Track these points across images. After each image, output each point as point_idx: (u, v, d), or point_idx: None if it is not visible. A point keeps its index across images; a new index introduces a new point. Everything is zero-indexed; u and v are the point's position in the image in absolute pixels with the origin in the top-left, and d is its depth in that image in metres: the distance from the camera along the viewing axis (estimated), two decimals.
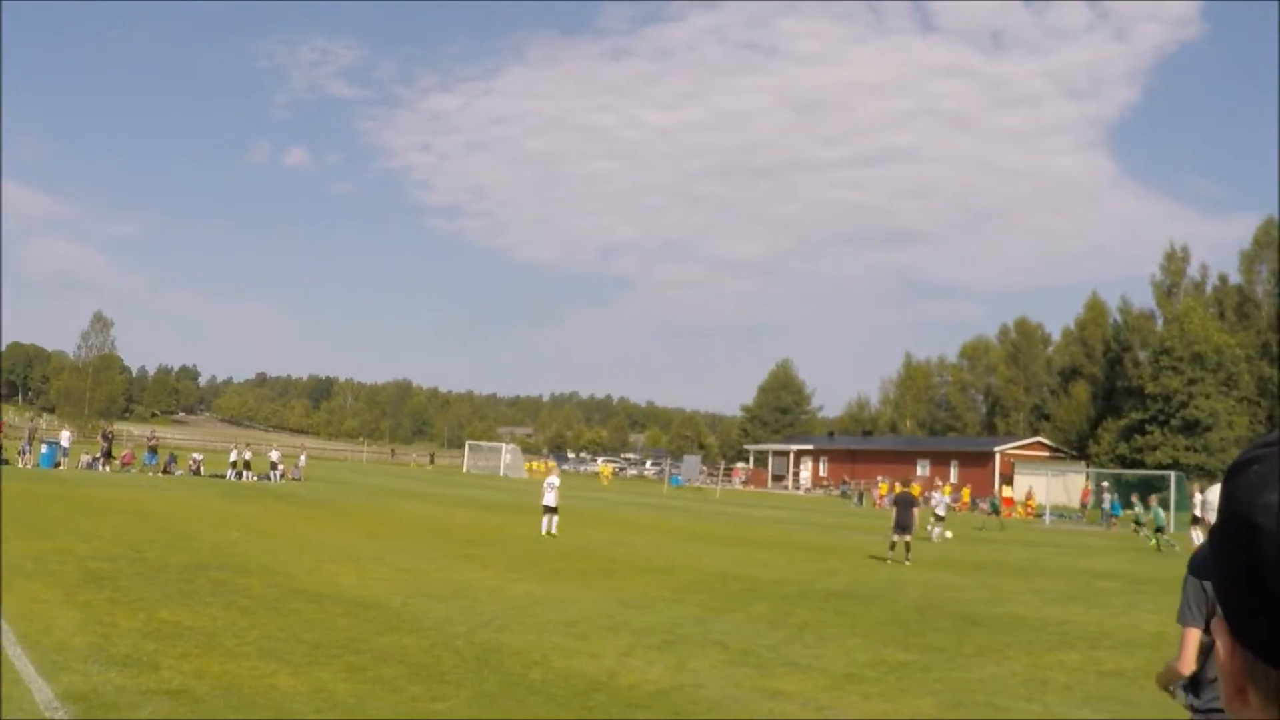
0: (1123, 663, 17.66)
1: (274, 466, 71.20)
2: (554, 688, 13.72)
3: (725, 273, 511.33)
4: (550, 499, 38.34)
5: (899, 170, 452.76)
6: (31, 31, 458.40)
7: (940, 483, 65.84)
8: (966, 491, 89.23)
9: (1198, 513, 46.94)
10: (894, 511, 35.69)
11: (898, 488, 43.61)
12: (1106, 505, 67.61)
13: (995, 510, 66.11)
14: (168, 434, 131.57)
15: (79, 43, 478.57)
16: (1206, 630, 6.62)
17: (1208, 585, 6.55)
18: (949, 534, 47.75)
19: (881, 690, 14.59)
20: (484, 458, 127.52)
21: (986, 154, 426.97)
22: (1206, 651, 6.62)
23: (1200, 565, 6.43)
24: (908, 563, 33.34)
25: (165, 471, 69.10)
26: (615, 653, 16.46)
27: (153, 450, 73.28)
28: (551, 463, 39.50)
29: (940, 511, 49.45)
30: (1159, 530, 48.43)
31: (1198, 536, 45.33)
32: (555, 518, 38.23)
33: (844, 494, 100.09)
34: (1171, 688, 6.89)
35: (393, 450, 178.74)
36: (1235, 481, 1.17)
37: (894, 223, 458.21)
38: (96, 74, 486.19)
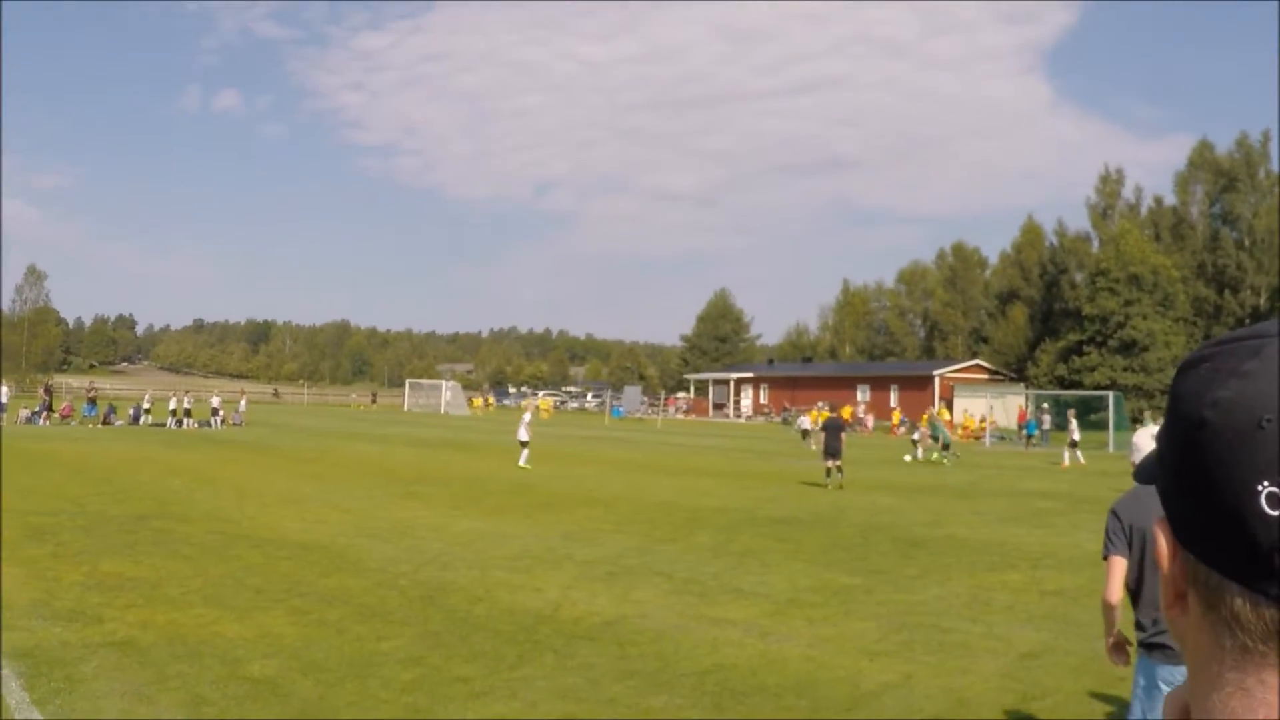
0: (1065, 582, 17.80)
1: (215, 413, 71.01)
2: (499, 623, 13.77)
3: (661, 205, 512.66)
4: (523, 434, 39.37)
5: (833, 98, 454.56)
6: None
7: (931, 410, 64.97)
8: (896, 415, 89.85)
9: (1075, 437, 47.41)
10: (822, 437, 35.74)
11: (825, 414, 42.91)
12: (1046, 426, 67.80)
13: (936, 437, 62.04)
14: (107, 385, 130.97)
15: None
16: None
17: (1124, 516, 6.67)
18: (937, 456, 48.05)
19: (825, 614, 14.68)
20: (425, 396, 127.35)
21: (921, 81, 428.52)
22: (1142, 572, 6.72)
23: (1145, 473, 6.50)
24: (841, 487, 33.28)
25: (105, 423, 68.74)
26: (559, 586, 16.53)
27: (91, 401, 72.83)
28: (534, 402, 40.26)
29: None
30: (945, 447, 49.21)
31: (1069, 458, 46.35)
32: (525, 451, 39.30)
33: (785, 420, 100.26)
34: (1113, 657, 7.01)
35: (275, 390, 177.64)
36: (1184, 379, 1.16)
37: (829, 151, 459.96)
38: (18, 23, 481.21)
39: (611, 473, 39.22)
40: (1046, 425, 67.53)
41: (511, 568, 18.22)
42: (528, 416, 40.22)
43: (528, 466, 38.71)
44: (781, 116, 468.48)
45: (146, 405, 72.06)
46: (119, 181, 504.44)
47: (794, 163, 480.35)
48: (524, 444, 39.61)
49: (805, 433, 58.80)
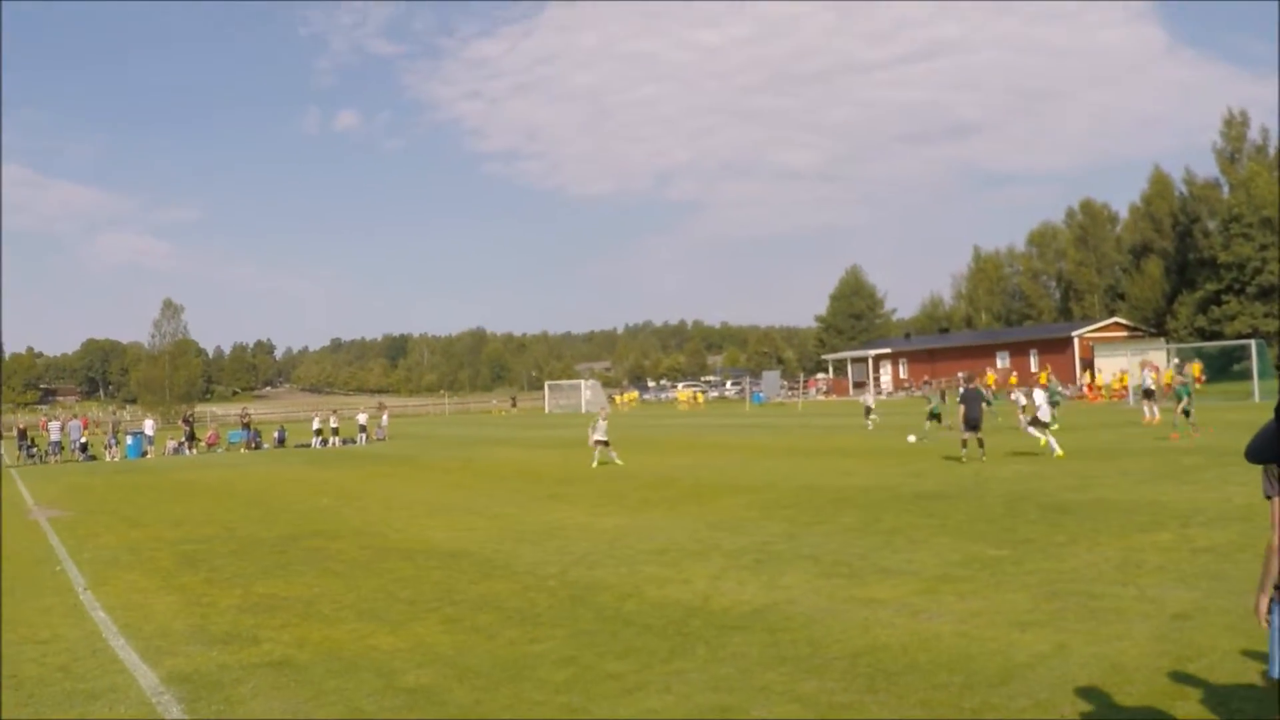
0: (1215, 538, 17.56)
1: (362, 429, 71.73)
2: (649, 618, 13.84)
3: (785, 185, 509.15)
4: (601, 436, 39.53)
5: (947, 62, 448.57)
6: (71, 35, 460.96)
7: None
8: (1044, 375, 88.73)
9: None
10: (961, 409, 34.66)
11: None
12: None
13: (1056, 403, 59.26)
14: (252, 409, 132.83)
15: (120, 41, 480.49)
16: None
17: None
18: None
19: (975, 588, 14.60)
20: (565, 396, 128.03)
21: (1034, 35, 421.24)
22: None
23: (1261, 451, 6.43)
24: (983, 459, 32.85)
25: (254, 447, 69.65)
26: (707, 577, 16.57)
27: (246, 426, 73.81)
28: (604, 410, 39.82)
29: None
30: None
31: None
32: (606, 450, 39.57)
33: (926, 395, 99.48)
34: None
35: (373, 406, 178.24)
36: None
37: (948, 116, 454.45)
38: (138, 66, 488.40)
39: (754, 459, 39.19)
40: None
41: (659, 561, 18.29)
42: (602, 423, 40.00)
43: (620, 461, 38.98)
44: (897, 85, 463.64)
45: (318, 426, 72.66)
46: (247, 209, 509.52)
47: (914, 131, 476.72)
48: (604, 443, 39.59)
49: (869, 410, 57.19)
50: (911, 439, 42.77)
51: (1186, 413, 38.63)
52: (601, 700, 10.42)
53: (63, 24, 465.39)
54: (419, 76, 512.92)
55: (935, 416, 46.21)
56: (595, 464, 38.26)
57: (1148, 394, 47.48)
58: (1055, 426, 44.10)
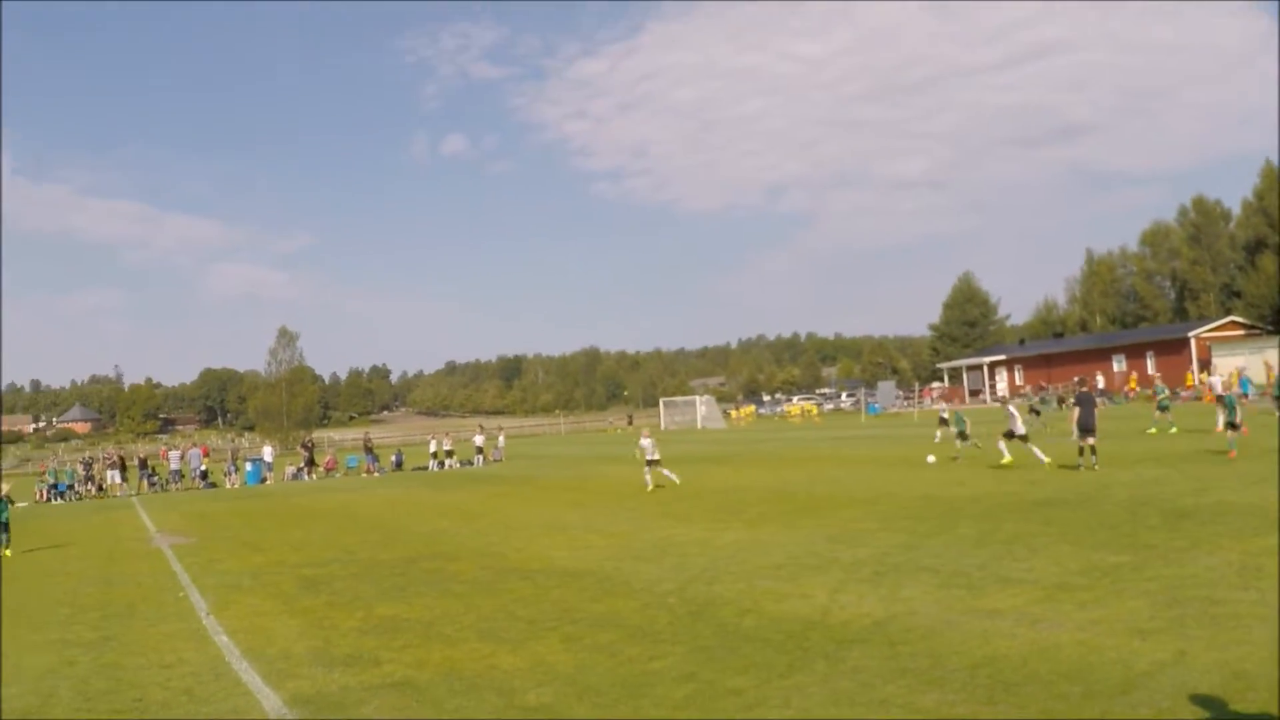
0: None
1: (479, 451, 71.98)
2: (768, 632, 13.86)
3: (895, 194, 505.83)
4: (653, 454, 38.80)
5: (1052, 63, 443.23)
6: (181, 70, 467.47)
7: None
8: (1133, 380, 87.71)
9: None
10: (1075, 412, 33.57)
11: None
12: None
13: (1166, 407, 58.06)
14: (373, 434, 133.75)
15: (229, 74, 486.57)
16: None
17: None
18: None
19: (1095, 596, 14.50)
20: (680, 413, 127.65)
21: (1139, 33, 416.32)
22: None
23: None
24: (1095, 467, 31.99)
25: (373, 472, 70.05)
26: (826, 590, 16.56)
27: (369, 450, 74.24)
28: (644, 434, 39.18)
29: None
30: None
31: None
32: (658, 469, 38.74)
33: (1042, 400, 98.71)
34: None
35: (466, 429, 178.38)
36: None
37: (1055, 118, 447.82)
38: (248, 99, 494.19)
39: (870, 470, 39.04)
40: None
41: (777, 576, 18.29)
42: (646, 442, 39.56)
43: (675, 479, 38.64)
44: (1004, 89, 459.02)
45: (434, 449, 72.96)
46: (359, 236, 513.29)
47: (1022, 134, 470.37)
48: (656, 462, 38.75)
49: (944, 420, 55.91)
50: (931, 459, 41.06)
51: (1233, 425, 36.02)
52: (721, 716, 10.47)
53: (173, 58, 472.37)
54: (525, 98, 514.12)
55: (963, 435, 45.60)
56: (650, 487, 37.61)
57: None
58: (1155, 430, 43.70)
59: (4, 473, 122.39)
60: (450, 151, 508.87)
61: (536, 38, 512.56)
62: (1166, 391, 53.01)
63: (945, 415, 51.99)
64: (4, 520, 30.87)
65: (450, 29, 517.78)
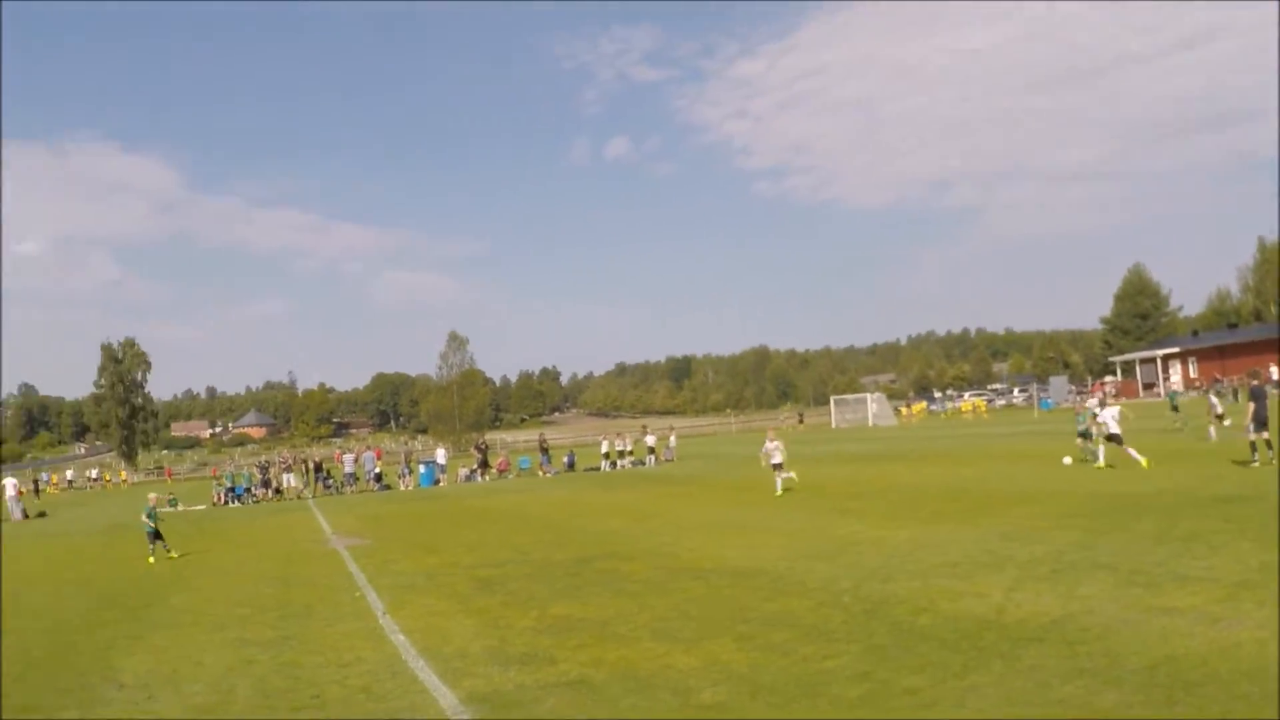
0: None
1: (651, 451, 72.13)
2: (943, 631, 13.78)
3: (1062, 185, 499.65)
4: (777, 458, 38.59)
5: (1218, 49, 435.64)
6: (348, 81, 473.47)
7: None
8: None
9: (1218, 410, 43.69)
10: (1250, 407, 32.55)
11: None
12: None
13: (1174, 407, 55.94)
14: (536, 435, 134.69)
15: (396, 86, 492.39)
16: None
17: None
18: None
19: (1277, 594, 14.26)
20: (851, 410, 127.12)
21: None
22: None
23: None
24: (1272, 461, 31.04)
25: (544, 472, 70.42)
26: (1002, 588, 16.41)
27: (545, 451, 74.70)
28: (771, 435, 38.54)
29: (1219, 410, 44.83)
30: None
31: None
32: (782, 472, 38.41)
33: (1217, 392, 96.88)
34: None
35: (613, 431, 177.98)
36: None
37: (1225, 104, 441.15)
38: (414, 110, 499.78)
39: (1044, 467, 38.64)
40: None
41: (952, 574, 18.16)
42: (771, 445, 39.32)
43: (794, 476, 38.79)
44: (1170, 75, 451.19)
45: (605, 449, 73.38)
46: (525, 240, 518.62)
47: (1189, 122, 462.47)
48: (779, 466, 38.48)
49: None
50: (1068, 461, 39.88)
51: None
52: (896, 716, 10.43)
53: (337, 69, 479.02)
54: (685, 100, 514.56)
55: (1085, 435, 44.75)
56: (780, 491, 37.36)
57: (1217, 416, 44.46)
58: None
59: (181, 476, 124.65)
60: (613, 155, 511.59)
61: (694, 39, 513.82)
62: None
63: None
64: (155, 528, 31.26)
65: (609, 34, 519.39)
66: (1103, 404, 40.47)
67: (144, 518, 31.43)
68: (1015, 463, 41.42)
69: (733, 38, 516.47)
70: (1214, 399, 42.05)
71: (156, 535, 31.16)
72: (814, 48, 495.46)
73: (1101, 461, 35.77)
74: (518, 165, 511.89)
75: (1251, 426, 31.81)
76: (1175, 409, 50.81)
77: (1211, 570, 16.39)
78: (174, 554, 30.92)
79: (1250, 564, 16.58)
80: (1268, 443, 31.72)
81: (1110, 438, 36.35)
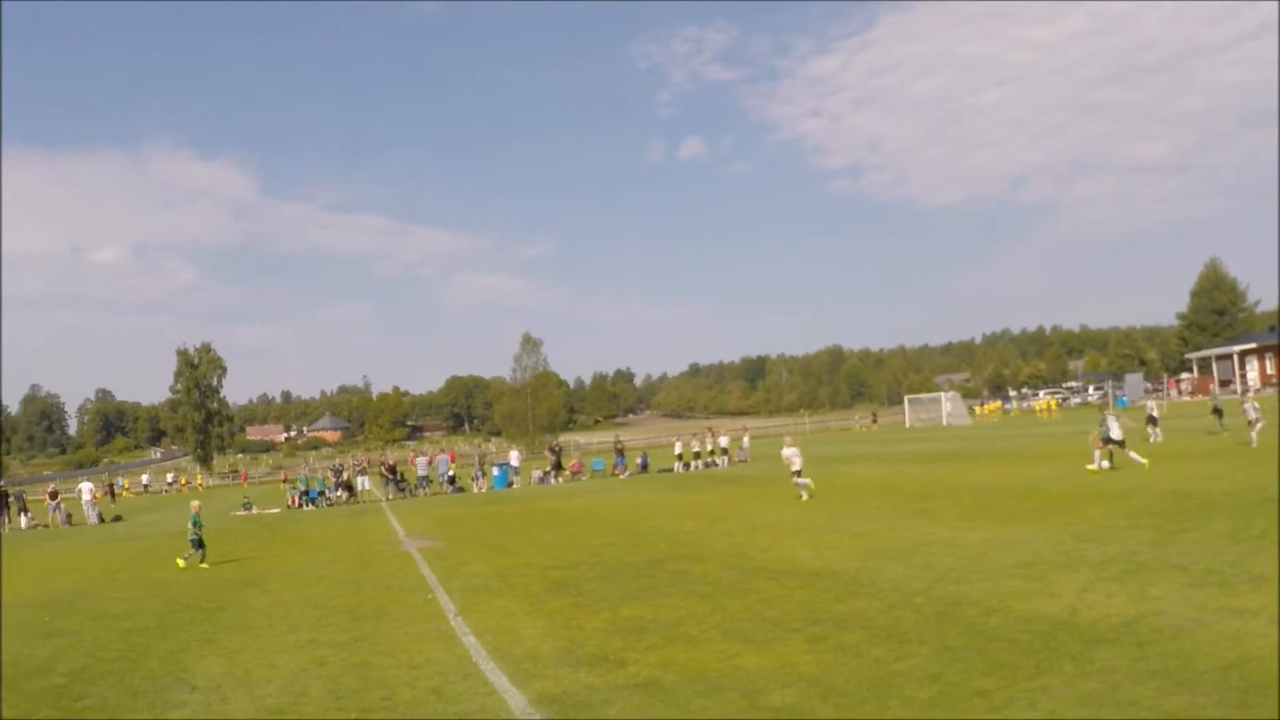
0: None
1: (723, 452, 72.06)
2: (1015, 632, 13.75)
3: (1138, 179, 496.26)
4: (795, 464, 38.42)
5: None
6: (422, 86, 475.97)
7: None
8: None
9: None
10: None
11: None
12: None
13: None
14: (610, 436, 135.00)
15: (469, 90, 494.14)
16: None
17: None
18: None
19: None
20: (925, 410, 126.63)
21: None
22: None
23: None
24: None
25: (618, 473, 70.49)
26: (1074, 589, 16.37)
27: (620, 453, 74.79)
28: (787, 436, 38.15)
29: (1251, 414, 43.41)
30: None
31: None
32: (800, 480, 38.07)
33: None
34: None
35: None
36: None
37: None
38: (486, 112, 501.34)
39: (1117, 466, 38.35)
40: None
41: (1024, 575, 18.12)
42: (789, 452, 39.18)
43: (811, 484, 38.16)
44: (1243, 65, 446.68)
45: (679, 450, 73.41)
46: (600, 241, 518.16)
47: (1264, 112, 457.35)
48: (799, 473, 38.24)
49: (1152, 419, 52.92)
50: (1103, 465, 38.60)
51: None
52: (967, 717, 10.41)
53: (411, 71, 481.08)
54: (759, 99, 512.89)
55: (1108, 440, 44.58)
56: (804, 498, 36.97)
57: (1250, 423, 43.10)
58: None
59: (256, 480, 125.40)
60: (688, 155, 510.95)
61: (768, 37, 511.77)
62: None
63: (1154, 413, 51.15)
64: (198, 536, 31.41)
65: (681, 34, 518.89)
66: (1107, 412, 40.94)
67: (189, 524, 31.60)
68: (1088, 461, 41.12)
69: (807, 35, 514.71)
70: (1248, 407, 41.59)
71: (199, 543, 31.32)
72: (890, 43, 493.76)
73: (1095, 465, 36.05)
74: (592, 166, 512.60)
75: None
76: (1218, 412, 50.32)
77: None
78: (205, 565, 30.94)
79: None
80: None
81: (1108, 441, 37.13)
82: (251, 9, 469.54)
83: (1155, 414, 52.15)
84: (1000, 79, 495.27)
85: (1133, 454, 35.06)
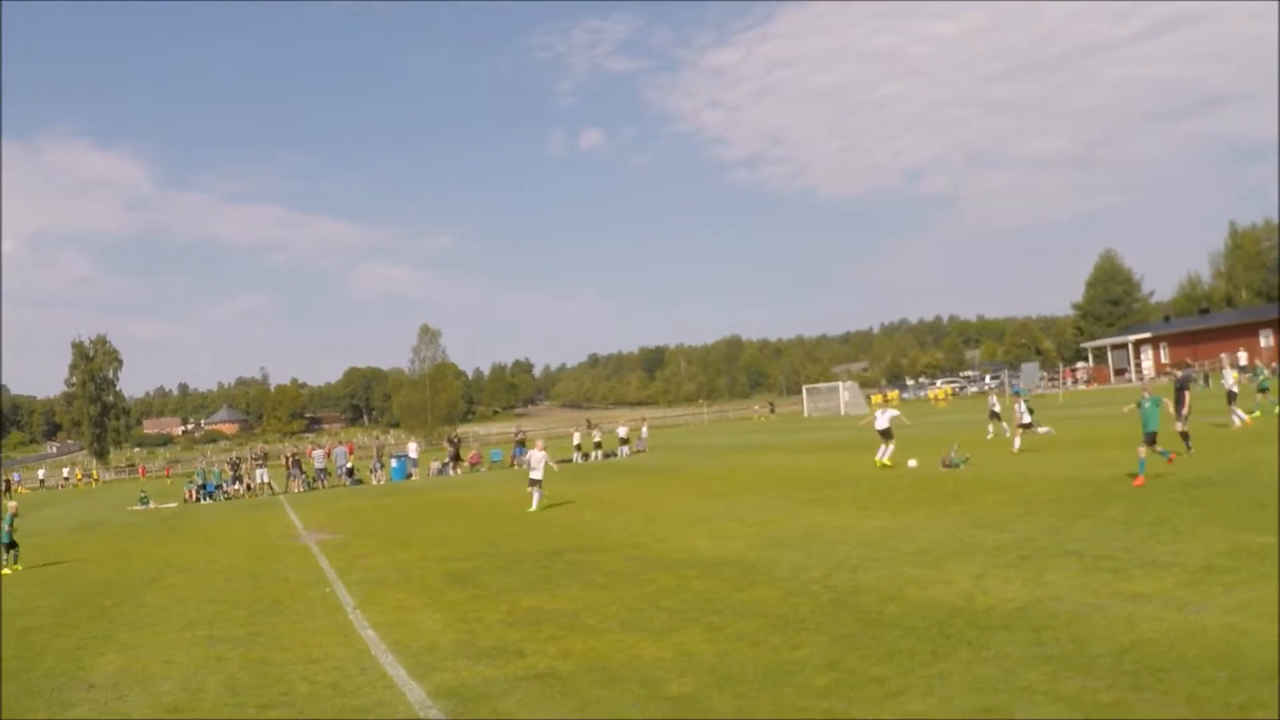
0: None
1: (624, 442, 72.18)
2: (911, 619, 13.84)
3: (1036, 173, 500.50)
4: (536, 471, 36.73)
5: (1194, 34, 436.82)
6: (319, 79, 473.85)
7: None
8: None
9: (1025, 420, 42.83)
10: (1182, 398, 33.77)
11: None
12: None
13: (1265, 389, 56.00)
14: (510, 428, 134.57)
15: (367, 81, 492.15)
16: None
17: None
18: (1245, 415, 41.90)
19: (1243, 579, 14.32)
20: (823, 399, 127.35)
21: None
22: None
23: None
24: (1191, 451, 31.33)
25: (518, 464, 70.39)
26: (970, 576, 16.50)
27: (521, 444, 74.55)
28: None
29: (1232, 387, 43.64)
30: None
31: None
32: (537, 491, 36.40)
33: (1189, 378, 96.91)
34: None
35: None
36: None
37: (1199, 89, 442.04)
38: (387, 104, 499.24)
39: (1015, 454, 38.66)
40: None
41: (921, 562, 18.26)
42: (535, 455, 37.52)
43: (538, 501, 36.13)
44: (1145, 62, 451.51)
45: (578, 441, 73.33)
46: (500, 233, 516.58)
47: (1164, 108, 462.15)
48: (537, 482, 36.33)
49: (995, 414, 53.22)
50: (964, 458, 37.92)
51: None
52: (864, 705, 10.45)
53: (310, 64, 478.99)
54: (660, 90, 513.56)
55: (996, 416, 45.49)
56: (534, 508, 35.49)
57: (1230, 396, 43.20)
58: (1258, 414, 42.94)
59: (153, 474, 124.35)
60: (588, 146, 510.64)
61: (669, 28, 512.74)
62: (1266, 373, 52.47)
63: (997, 409, 51.67)
64: (7, 540, 30.65)
65: (582, 25, 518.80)
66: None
67: (5, 527, 30.76)
68: (985, 450, 41.43)
69: (708, 26, 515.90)
70: (1020, 407, 42.45)
71: (11, 545, 30.70)
72: (790, 36, 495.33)
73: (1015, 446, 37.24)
74: (493, 157, 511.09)
75: (1184, 415, 32.21)
76: (1264, 390, 50.65)
77: (1178, 555, 16.50)
78: (18, 567, 30.32)
79: (1217, 548, 16.69)
80: (1180, 434, 32.26)
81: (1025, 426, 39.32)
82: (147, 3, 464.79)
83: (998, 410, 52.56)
84: (900, 73, 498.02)
85: (1042, 429, 35.73)
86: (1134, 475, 26.20)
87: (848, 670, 11.71)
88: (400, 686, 12.85)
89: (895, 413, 40.83)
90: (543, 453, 37.68)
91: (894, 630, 13.36)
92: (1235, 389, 42.64)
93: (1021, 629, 12.77)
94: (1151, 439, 27.80)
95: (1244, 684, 9.85)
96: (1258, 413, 44.98)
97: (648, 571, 20.09)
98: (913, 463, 38.09)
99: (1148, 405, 28.44)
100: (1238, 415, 40.09)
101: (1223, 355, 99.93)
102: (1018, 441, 39.09)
